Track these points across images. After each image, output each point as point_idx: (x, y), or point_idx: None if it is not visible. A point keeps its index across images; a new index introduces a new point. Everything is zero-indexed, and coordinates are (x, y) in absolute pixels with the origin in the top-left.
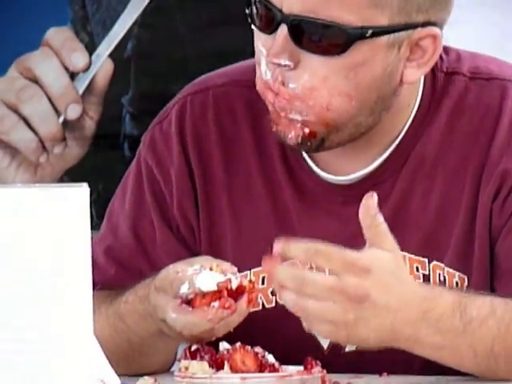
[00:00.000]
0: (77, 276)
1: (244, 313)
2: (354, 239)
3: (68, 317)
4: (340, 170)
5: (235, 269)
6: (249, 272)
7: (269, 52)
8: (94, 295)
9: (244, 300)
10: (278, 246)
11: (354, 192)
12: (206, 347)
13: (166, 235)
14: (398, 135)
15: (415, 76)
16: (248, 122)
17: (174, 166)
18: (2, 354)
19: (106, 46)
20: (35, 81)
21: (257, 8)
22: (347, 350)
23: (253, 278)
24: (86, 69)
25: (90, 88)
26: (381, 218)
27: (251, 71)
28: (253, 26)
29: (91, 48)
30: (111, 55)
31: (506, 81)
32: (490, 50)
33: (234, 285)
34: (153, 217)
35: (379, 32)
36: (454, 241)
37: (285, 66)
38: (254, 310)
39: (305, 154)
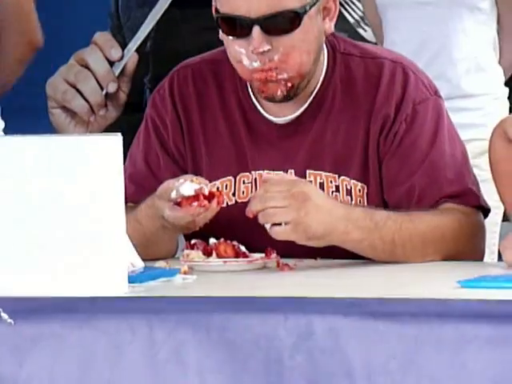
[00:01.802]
0: (113, 202)
1: (215, 210)
2: (287, 163)
3: (110, 223)
4: (279, 112)
5: (207, 181)
6: (217, 182)
7: (250, 48)
8: None
9: (215, 201)
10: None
11: (287, 129)
12: (200, 241)
13: (166, 161)
14: (314, 90)
15: (331, 27)
16: (215, 86)
17: (169, 116)
18: (61, 245)
19: (133, 44)
20: (87, 67)
21: (227, 23)
22: None
23: (219, 186)
24: (120, 59)
25: (122, 72)
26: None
27: (218, 53)
28: (229, 37)
29: (123, 46)
30: (137, 50)
31: (383, 59)
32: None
33: (206, 191)
34: (157, 150)
35: (311, 5)
36: (355, 161)
37: (267, 50)
38: (222, 206)
39: (256, 102)
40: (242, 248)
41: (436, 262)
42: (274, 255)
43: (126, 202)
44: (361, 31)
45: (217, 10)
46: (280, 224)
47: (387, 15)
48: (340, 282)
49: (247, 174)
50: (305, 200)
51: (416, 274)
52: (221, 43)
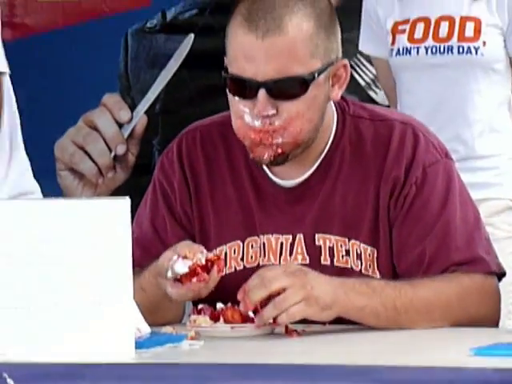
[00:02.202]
0: (120, 265)
1: (216, 279)
2: (296, 227)
3: (117, 287)
4: (286, 175)
5: (202, 248)
6: (225, 246)
7: (255, 110)
8: None
9: (215, 270)
10: (241, 289)
11: (295, 193)
12: (207, 306)
13: (173, 225)
14: (322, 152)
15: (338, 94)
16: (223, 148)
17: (176, 179)
18: (67, 310)
19: (143, 106)
20: (95, 129)
21: (235, 84)
22: None
23: (227, 251)
24: (129, 121)
25: (131, 134)
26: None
27: (226, 115)
28: (235, 97)
29: (133, 107)
30: (146, 112)
31: (392, 120)
32: None
33: (203, 260)
34: (164, 214)
35: (319, 73)
36: (365, 225)
37: (272, 115)
38: (229, 272)
39: (264, 166)
40: (250, 313)
41: (448, 328)
42: None
43: (133, 267)
44: (372, 94)
45: (226, 70)
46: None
47: (401, 78)
48: (349, 349)
49: (255, 238)
50: (305, 275)
51: (428, 342)
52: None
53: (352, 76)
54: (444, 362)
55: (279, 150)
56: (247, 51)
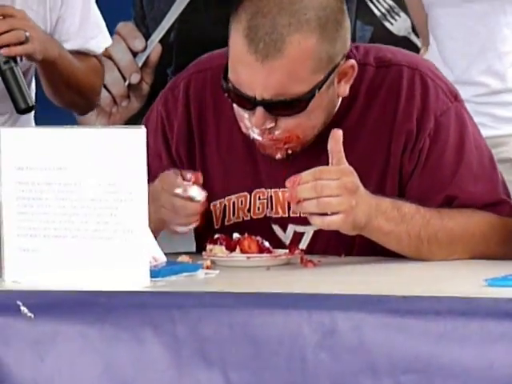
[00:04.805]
0: (136, 194)
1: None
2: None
3: (133, 216)
4: None
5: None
6: (233, 196)
7: (252, 121)
8: None
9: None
10: (292, 178)
11: (304, 150)
12: (224, 236)
13: (167, 160)
14: (332, 113)
15: (346, 90)
16: None
17: (177, 121)
18: (82, 239)
19: (157, 35)
20: (109, 57)
21: (233, 95)
22: (300, 248)
23: (235, 200)
24: (143, 50)
25: (146, 63)
26: (341, 146)
27: None
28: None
29: (147, 36)
30: (160, 41)
31: (400, 65)
32: None
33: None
34: (160, 145)
35: (322, 85)
36: (372, 178)
37: (269, 128)
38: (236, 221)
39: None
40: (266, 244)
41: (463, 260)
42: (297, 251)
43: None
44: (387, 24)
45: (226, 72)
46: (326, 214)
47: (432, 12)
48: (364, 279)
49: (262, 190)
50: (355, 190)
51: (442, 272)
52: None
53: (367, 6)
54: (458, 293)
55: (288, 151)
56: (246, 70)
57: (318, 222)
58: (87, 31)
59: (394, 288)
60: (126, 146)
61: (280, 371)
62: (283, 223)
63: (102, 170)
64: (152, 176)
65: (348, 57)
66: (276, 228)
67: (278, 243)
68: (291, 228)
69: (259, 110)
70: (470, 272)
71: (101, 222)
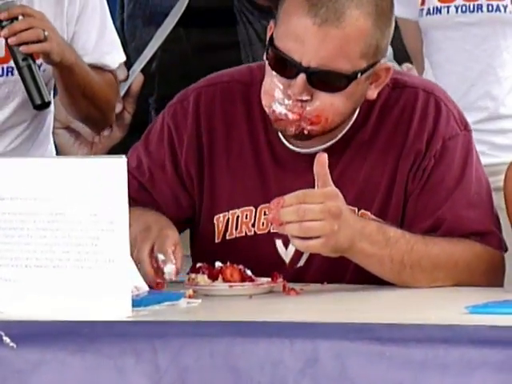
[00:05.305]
0: (117, 224)
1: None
2: None
3: (114, 245)
4: (305, 145)
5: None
6: (237, 210)
7: (289, 89)
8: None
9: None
10: (276, 200)
11: (313, 161)
12: (206, 265)
13: (173, 174)
14: (346, 126)
15: (375, 94)
16: (243, 109)
17: (187, 134)
18: (64, 268)
19: (139, 64)
20: None
21: (277, 59)
22: (298, 265)
23: (240, 214)
24: (125, 79)
25: (127, 92)
26: (327, 169)
27: (246, 73)
28: (272, 71)
29: (129, 65)
30: (142, 71)
31: (415, 88)
32: None
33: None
34: (166, 160)
35: (363, 72)
36: (379, 196)
37: (305, 100)
38: (239, 236)
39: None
40: (248, 272)
41: (445, 287)
42: (280, 279)
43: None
44: None
45: (272, 38)
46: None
47: (431, 37)
48: (346, 307)
49: (268, 205)
50: (339, 215)
51: (423, 300)
52: (225, 65)
53: None
54: (439, 320)
55: (305, 131)
56: (300, 33)
57: (298, 244)
58: (103, 47)
59: (375, 316)
60: (107, 176)
61: None
62: (286, 240)
63: (83, 200)
64: (155, 186)
65: None
66: (279, 243)
67: (279, 260)
68: (293, 245)
69: (301, 77)
70: (452, 299)
71: (82, 252)
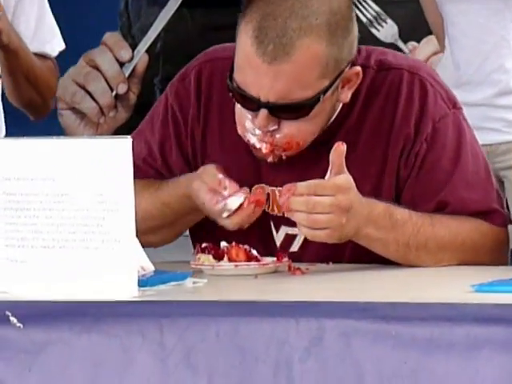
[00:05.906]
0: (123, 204)
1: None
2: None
3: (120, 226)
4: None
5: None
6: None
7: (255, 122)
8: (136, 183)
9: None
10: (288, 186)
11: (304, 152)
12: (212, 245)
13: (178, 157)
14: (332, 116)
15: (348, 96)
16: None
17: (191, 112)
18: (70, 249)
19: (144, 45)
20: (96, 68)
21: (238, 93)
22: (291, 250)
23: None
24: (130, 60)
25: (132, 73)
26: (343, 159)
27: None
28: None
29: (133, 46)
30: (147, 51)
31: (400, 69)
32: None
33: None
34: (172, 142)
35: (326, 91)
36: (370, 181)
37: (272, 130)
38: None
39: None
40: (254, 252)
41: (450, 266)
42: (285, 259)
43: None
44: (374, 31)
45: (231, 71)
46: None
47: (446, 10)
48: (351, 287)
49: (262, 186)
50: (348, 209)
51: (429, 278)
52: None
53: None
54: (444, 299)
55: (282, 157)
56: (253, 70)
57: (305, 232)
58: (42, 35)
59: (381, 295)
60: (113, 156)
61: (267, 379)
62: (277, 222)
63: (89, 181)
64: (169, 169)
65: (352, 63)
66: (272, 226)
67: (271, 241)
68: (283, 230)
69: (263, 111)
70: (457, 278)
71: (88, 232)
